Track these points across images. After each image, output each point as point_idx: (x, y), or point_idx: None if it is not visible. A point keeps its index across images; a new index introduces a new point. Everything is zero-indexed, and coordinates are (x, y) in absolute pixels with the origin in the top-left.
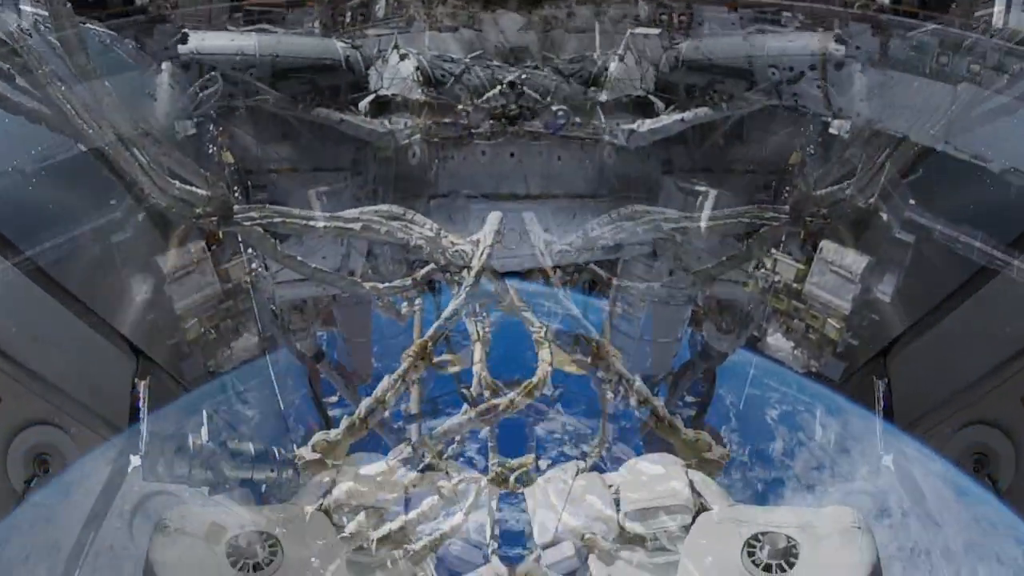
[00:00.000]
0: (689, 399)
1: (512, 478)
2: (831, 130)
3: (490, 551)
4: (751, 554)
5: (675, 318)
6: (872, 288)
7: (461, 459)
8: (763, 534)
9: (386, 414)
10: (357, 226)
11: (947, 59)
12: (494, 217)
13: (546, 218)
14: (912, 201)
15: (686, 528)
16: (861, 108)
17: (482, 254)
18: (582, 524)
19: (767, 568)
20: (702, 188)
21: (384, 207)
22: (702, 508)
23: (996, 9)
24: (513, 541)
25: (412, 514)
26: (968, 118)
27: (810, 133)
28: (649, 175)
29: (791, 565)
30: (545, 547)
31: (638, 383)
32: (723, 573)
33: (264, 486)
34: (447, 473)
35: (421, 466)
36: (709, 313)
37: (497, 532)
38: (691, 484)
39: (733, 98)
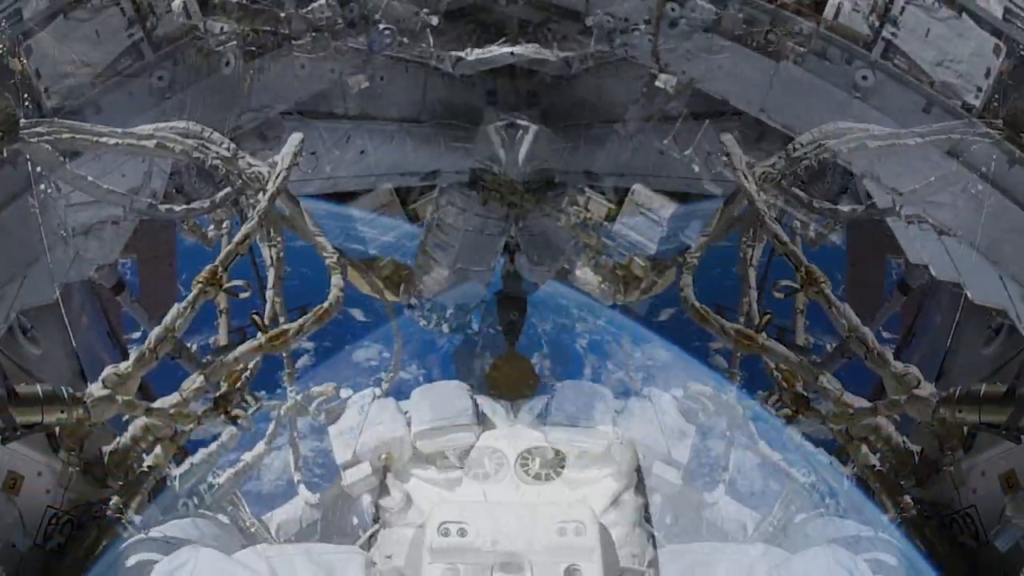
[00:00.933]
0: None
1: (312, 406)
2: (657, 83)
3: (296, 479)
4: (524, 465)
5: (489, 248)
6: (678, 232)
7: (280, 389)
8: (535, 448)
9: (194, 347)
10: (151, 143)
11: (775, 37)
12: (294, 138)
13: (363, 140)
14: (724, 157)
15: (471, 446)
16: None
17: (278, 176)
18: (379, 445)
19: (537, 477)
20: (524, 122)
21: (181, 123)
22: (486, 428)
23: (830, 2)
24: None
25: (212, 446)
26: (784, 93)
27: (635, 83)
28: (472, 104)
29: (559, 474)
30: (345, 467)
31: (849, 311)
32: (500, 484)
33: (58, 429)
34: (244, 402)
35: (215, 396)
36: (522, 245)
37: (301, 460)
38: (475, 405)
39: (566, 39)
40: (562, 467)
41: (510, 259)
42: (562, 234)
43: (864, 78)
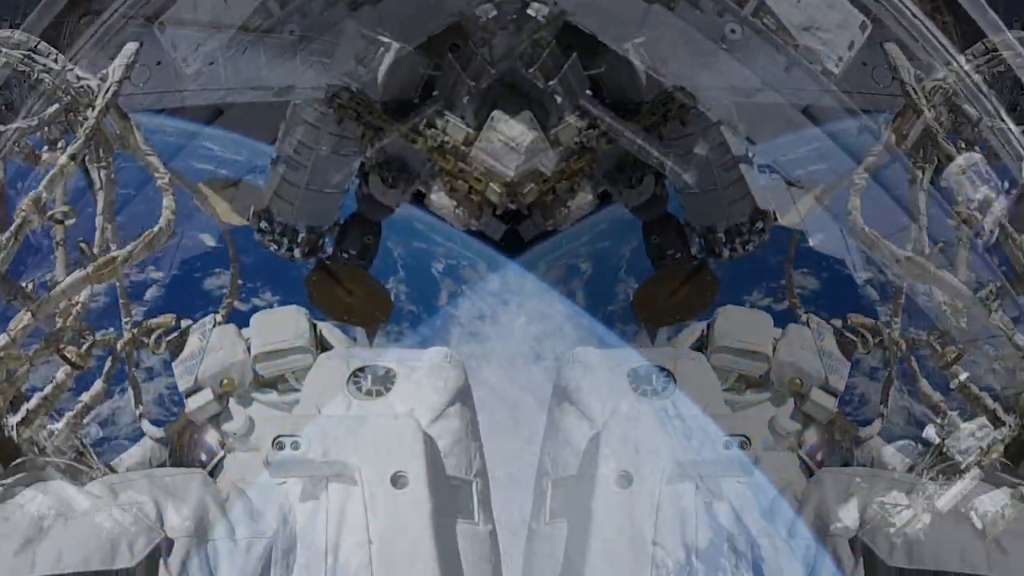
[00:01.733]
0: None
1: (152, 339)
2: (528, 11)
3: (138, 414)
4: (356, 383)
5: (342, 169)
6: (535, 160)
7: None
8: (367, 366)
9: (30, 287)
10: None
11: None
12: (127, 48)
13: (214, 51)
14: (589, 92)
15: (308, 367)
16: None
17: (108, 91)
18: (220, 371)
19: (368, 393)
20: (386, 39)
21: (7, 32)
22: (324, 349)
23: None
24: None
25: (47, 388)
26: (652, 35)
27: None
28: (331, 17)
29: (388, 390)
30: (188, 394)
31: None
32: (332, 401)
33: None
34: (80, 338)
35: (46, 333)
36: (376, 166)
37: (143, 395)
38: (314, 328)
39: None
40: (392, 383)
41: (364, 181)
42: (418, 157)
43: (732, 31)
